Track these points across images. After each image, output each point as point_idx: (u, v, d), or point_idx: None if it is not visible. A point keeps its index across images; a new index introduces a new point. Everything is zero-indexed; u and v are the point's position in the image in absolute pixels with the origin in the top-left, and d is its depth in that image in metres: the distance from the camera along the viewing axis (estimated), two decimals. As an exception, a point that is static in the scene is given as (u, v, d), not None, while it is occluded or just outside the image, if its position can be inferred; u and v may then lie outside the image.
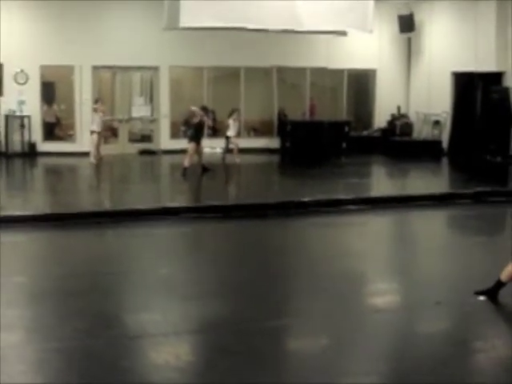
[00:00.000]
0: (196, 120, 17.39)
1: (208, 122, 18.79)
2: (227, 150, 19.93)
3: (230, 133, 19.81)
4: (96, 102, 19.92)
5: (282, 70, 23.71)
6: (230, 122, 19.76)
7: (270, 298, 7.92)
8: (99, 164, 19.11)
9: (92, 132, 19.42)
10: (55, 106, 22.40)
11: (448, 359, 6.13)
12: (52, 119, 22.28)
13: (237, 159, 19.58)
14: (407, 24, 23.06)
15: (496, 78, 20.35)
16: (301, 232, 12.05)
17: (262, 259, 9.90)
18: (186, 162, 16.82)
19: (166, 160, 21.01)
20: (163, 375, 5.83)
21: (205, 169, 17.42)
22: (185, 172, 16.71)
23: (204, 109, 17.99)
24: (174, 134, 22.64)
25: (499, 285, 7.67)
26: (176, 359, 6.05)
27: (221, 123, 21.00)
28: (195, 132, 17.39)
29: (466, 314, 7.50)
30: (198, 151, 17.44)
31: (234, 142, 19.79)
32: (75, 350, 6.24)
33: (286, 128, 22.78)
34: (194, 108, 17.83)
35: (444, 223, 13.69)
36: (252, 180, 18.28)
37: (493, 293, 7.70)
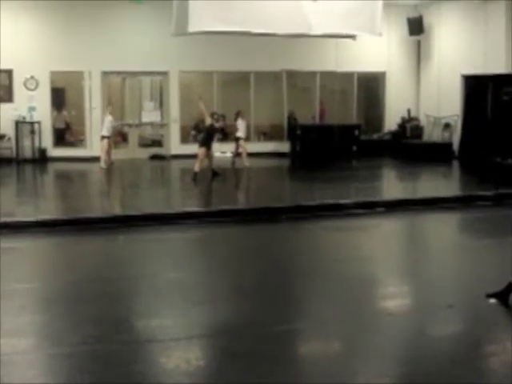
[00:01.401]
0: (207, 122, 17.38)
1: (220, 125, 18.77)
2: (237, 154, 19.95)
3: (240, 134, 19.83)
4: (107, 106, 19.99)
5: (291, 74, 23.71)
6: (239, 122, 19.83)
7: (282, 302, 7.90)
8: (109, 169, 19.15)
9: (102, 137, 19.49)
10: (65, 112, 22.47)
11: (459, 362, 6.10)
12: (62, 125, 22.35)
13: (246, 163, 19.58)
14: (416, 27, 23.03)
15: (507, 79, 20.27)
16: (312, 236, 12.03)
17: (274, 263, 9.88)
18: (196, 166, 16.83)
19: (177, 165, 21.03)
20: (174, 380, 5.82)
21: (215, 173, 17.45)
22: (195, 177, 16.71)
23: (213, 115, 17.94)
24: (184, 139, 22.70)
25: (511, 287, 7.64)
26: (187, 364, 6.03)
27: (231, 127, 20.96)
28: (206, 137, 17.40)
29: (477, 317, 7.46)
30: (209, 156, 17.44)
31: (242, 145, 19.79)
32: (86, 355, 6.24)
33: (295, 132, 22.77)
34: (202, 107, 17.80)
35: (459, 226, 13.64)
36: (262, 184, 18.27)
37: (504, 295, 7.66)
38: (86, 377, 5.80)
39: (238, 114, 20.14)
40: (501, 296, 7.65)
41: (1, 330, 6.76)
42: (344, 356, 6.40)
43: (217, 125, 17.73)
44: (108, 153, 19.49)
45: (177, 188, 17.00)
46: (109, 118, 19.55)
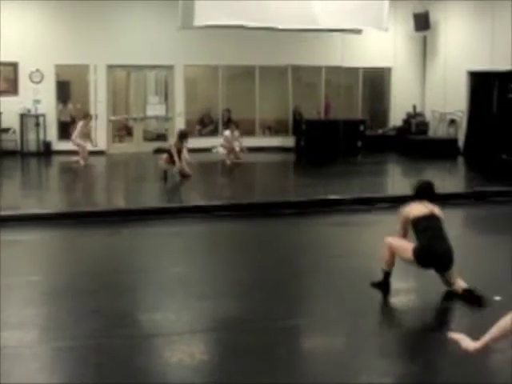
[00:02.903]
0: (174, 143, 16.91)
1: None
2: (231, 149, 19.60)
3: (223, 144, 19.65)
4: (85, 117, 19.45)
5: (296, 69, 23.70)
6: (226, 133, 19.59)
7: (285, 298, 7.92)
8: (88, 166, 18.78)
9: (73, 141, 19.06)
10: (70, 105, 22.47)
11: (463, 360, 6.11)
12: (67, 118, 22.34)
13: (228, 160, 19.36)
14: (422, 22, 22.98)
15: (512, 76, 20.26)
16: (317, 231, 12.04)
17: (277, 258, 9.89)
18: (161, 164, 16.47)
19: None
20: (177, 374, 5.85)
21: (183, 176, 16.66)
22: (165, 176, 16.28)
23: (182, 136, 17.12)
24: (189, 133, 22.66)
25: None
26: (190, 358, 6.05)
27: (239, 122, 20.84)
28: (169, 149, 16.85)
29: (484, 314, 7.47)
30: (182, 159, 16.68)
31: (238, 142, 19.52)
32: (89, 349, 6.26)
33: (301, 127, 22.75)
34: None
35: (466, 222, 13.60)
36: (267, 178, 18.28)
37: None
38: (90, 370, 5.83)
39: (228, 125, 19.76)
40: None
41: (6, 322, 6.80)
42: (347, 353, 6.41)
43: (181, 145, 16.74)
44: (84, 149, 18.94)
45: (178, 181, 16.94)
46: (80, 124, 19.07)
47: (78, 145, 18.86)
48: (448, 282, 7.63)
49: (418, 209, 7.67)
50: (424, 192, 7.89)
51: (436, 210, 7.70)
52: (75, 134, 19.00)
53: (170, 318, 7.13)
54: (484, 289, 7.53)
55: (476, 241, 11.28)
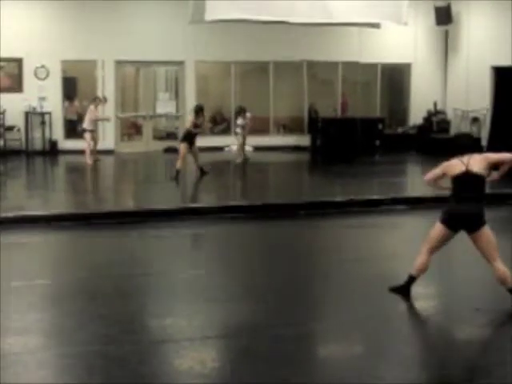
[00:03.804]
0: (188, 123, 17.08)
1: (204, 125, 18.07)
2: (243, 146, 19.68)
3: (238, 130, 19.63)
4: (94, 99, 19.60)
5: (312, 65, 23.69)
6: (239, 121, 19.58)
7: (299, 302, 7.90)
8: (95, 166, 18.87)
9: (83, 131, 19.26)
10: (76, 103, 22.50)
11: (482, 368, 6.09)
12: (74, 116, 22.40)
13: (238, 159, 19.42)
14: (444, 16, 22.92)
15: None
16: (332, 233, 12.02)
17: (291, 261, 9.88)
18: (178, 164, 16.36)
19: (191, 158, 21.07)
20: (187, 382, 5.84)
21: (203, 172, 16.87)
22: (177, 175, 16.22)
23: (197, 112, 17.06)
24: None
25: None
26: (201, 365, 6.04)
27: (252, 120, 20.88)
28: (186, 132, 16.96)
29: (503, 321, 7.44)
30: (193, 153, 16.87)
31: (239, 137, 19.54)
32: (97, 356, 6.26)
33: (316, 125, 22.75)
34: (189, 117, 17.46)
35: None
36: (281, 179, 18.27)
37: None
38: (96, 378, 5.83)
39: (239, 113, 19.86)
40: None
41: (10, 328, 6.81)
42: (362, 359, 6.39)
43: (200, 121, 16.92)
44: (92, 148, 19.02)
45: (190, 182, 16.96)
46: (91, 108, 19.12)
47: (87, 139, 18.86)
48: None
49: (455, 167, 7.61)
50: (463, 147, 7.78)
51: (475, 165, 7.54)
52: (86, 121, 19.02)
53: (181, 324, 7.13)
54: None
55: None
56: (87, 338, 6.68)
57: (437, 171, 7.87)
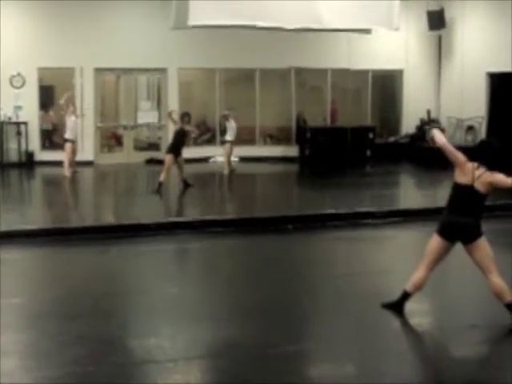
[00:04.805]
0: (176, 127, 17.08)
1: (192, 130, 18.19)
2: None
3: (228, 137, 19.60)
4: (68, 106, 19.35)
5: (300, 72, 23.76)
6: (229, 124, 19.56)
7: (288, 321, 7.90)
8: (74, 178, 18.80)
9: (65, 141, 19.16)
10: (51, 112, 22.28)
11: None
12: (48, 126, 22.29)
13: (225, 170, 19.43)
14: (437, 20, 23.05)
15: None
16: (322, 247, 12.04)
17: (280, 278, 9.87)
18: (162, 176, 16.35)
19: (175, 170, 21.06)
20: (171, 405, 5.84)
21: (186, 184, 16.91)
22: (159, 188, 16.21)
23: (184, 116, 17.26)
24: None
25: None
26: (185, 387, 6.04)
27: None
28: (174, 142, 16.96)
29: (501, 338, 7.47)
30: (178, 164, 16.93)
31: (227, 149, 19.54)
32: (76, 378, 6.25)
33: (305, 135, 22.81)
34: (170, 109, 17.64)
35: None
36: (268, 191, 18.30)
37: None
38: (76, 401, 5.82)
39: (227, 116, 19.83)
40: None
41: (-16, 349, 6.79)
42: (355, 379, 6.40)
43: (187, 127, 17.09)
44: (71, 159, 18.93)
45: (174, 195, 16.96)
46: (72, 119, 19.08)
47: (68, 150, 18.76)
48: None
49: (464, 172, 7.54)
50: (477, 153, 7.63)
51: (482, 184, 7.48)
52: (68, 131, 19.03)
53: (164, 344, 7.12)
54: None
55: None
56: (66, 359, 6.66)
57: (453, 149, 7.62)
